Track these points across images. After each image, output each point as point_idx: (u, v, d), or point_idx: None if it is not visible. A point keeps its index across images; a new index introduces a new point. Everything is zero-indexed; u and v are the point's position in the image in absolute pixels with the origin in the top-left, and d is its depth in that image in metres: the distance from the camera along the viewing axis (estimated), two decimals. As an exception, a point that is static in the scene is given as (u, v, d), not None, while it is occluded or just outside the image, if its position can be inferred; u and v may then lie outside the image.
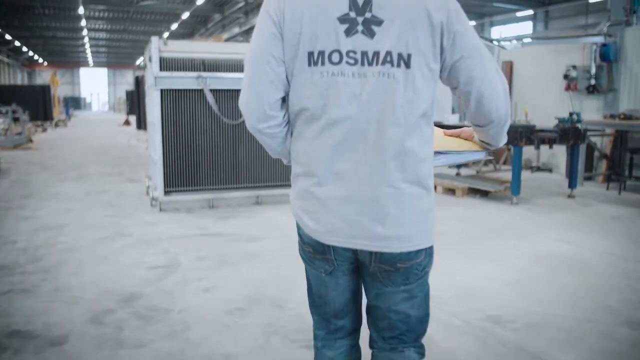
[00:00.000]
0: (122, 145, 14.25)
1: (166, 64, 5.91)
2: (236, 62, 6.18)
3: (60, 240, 4.84)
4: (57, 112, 29.19)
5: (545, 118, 9.19)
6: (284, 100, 1.48)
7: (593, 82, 8.89)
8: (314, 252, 1.55)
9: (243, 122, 6.23)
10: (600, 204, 6.77)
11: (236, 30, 24.26)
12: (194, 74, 5.91)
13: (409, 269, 1.49)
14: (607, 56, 8.54)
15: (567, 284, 3.81)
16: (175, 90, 5.93)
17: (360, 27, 1.38)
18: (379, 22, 1.38)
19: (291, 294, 3.48)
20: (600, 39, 8.57)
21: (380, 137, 1.39)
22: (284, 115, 1.50)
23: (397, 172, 1.41)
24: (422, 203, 1.46)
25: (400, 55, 1.38)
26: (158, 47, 5.82)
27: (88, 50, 42.51)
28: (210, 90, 5.97)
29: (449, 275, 3.90)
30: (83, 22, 28.22)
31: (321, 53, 1.39)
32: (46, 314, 3.19)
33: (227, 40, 26.09)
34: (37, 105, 20.72)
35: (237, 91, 6.18)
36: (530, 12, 23.62)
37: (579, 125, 6.97)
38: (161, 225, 5.44)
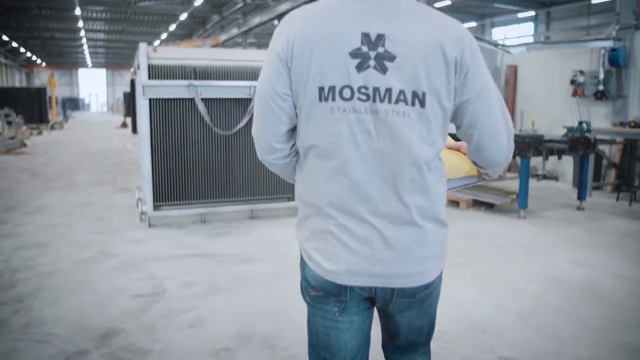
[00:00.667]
0: (117, 150, 13.96)
1: (155, 72, 5.60)
2: (229, 69, 5.87)
3: (40, 262, 4.53)
4: (55, 114, 28.91)
5: (551, 125, 8.88)
6: (293, 132, 1.48)
7: (601, 87, 8.59)
8: (324, 295, 1.48)
9: (236, 132, 5.97)
10: (611, 217, 6.46)
11: (235, 31, 23.94)
12: (185, 82, 5.61)
13: (426, 295, 1.52)
14: (617, 61, 8.24)
15: (585, 316, 3.51)
16: (165, 99, 5.62)
17: (372, 62, 1.33)
18: (392, 58, 1.33)
19: (285, 331, 3.17)
20: (609, 44, 8.26)
21: (397, 177, 1.37)
22: (291, 147, 1.49)
23: (416, 210, 1.39)
24: (439, 237, 1.46)
25: (414, 94, 1.34)
26: (147, 53, 5.52)
27: (86, 51, 42.23)
28: (202, 99, 5.67)
29: (456, 306, 3.59)
30: (80, 23, 27.93)
31: (332, 88, 1.35)
32: (12, 356, 2.89)
33: (226, 42, 25.83)
34: (33, 107, 20.42)
35: (230, 100, 5.94)
36: (532, 13, 23.33)
37: (588, 135, 6.64)
38: (149, 243, 5.14)
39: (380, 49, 1.32)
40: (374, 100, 1.33)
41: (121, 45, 39.27)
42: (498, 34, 25.95)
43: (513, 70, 10.41)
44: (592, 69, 8.78)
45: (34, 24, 29.89)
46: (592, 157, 7.09)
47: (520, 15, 23.84)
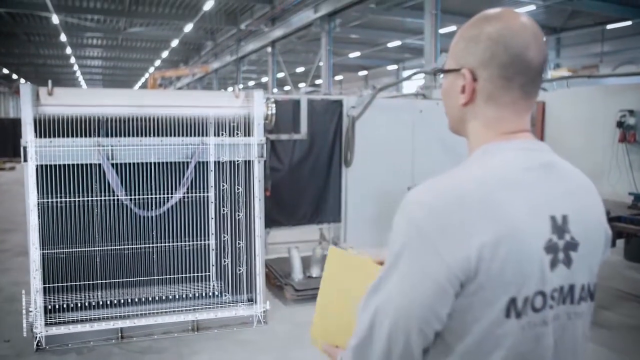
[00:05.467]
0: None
1: (49, 125, 3.86)
2: (158, 119, 4.11)
3: None
4: (41, 144, 27.52)
5: (592, 179, 7.07)
6: None
7: (659, 132, 6.84)
8: None
9: (167, 212, 4.16)
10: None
11: (228, 58, 22.56)
12: (89, 140, 3.86)
13: None
14: (680, 101, 6.49)
15: None
16: (61, 165, 3.87)
17: (561, 255, 1.00)
18: (576, 246, 1.02)
19: None
20: (671, 79, 6.53)
21: None
22: None
23: None
24: None
25: (588, 287, 1.05)
26: (32, 99, 3.78)
27: (81, 78, 41.25)
28: (116, 164, 3.91)
29: None
30: (69, 50, 26.76)
31: (526, 300, 0.96)
32: None
33: (219, 69, 24.50)
34: (7, 140, 18.87)
35: (159, 165, 4.01)
36: (541, 38, 21.85)
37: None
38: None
39: (567, 236, 1.01)
40: (559, 303, 1.00)
41: (117, 72, 38.45)
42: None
43: (540, 108, 8.61)
44: (646, 108, 7.03)
45: (24, 51, 28.97)
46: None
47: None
